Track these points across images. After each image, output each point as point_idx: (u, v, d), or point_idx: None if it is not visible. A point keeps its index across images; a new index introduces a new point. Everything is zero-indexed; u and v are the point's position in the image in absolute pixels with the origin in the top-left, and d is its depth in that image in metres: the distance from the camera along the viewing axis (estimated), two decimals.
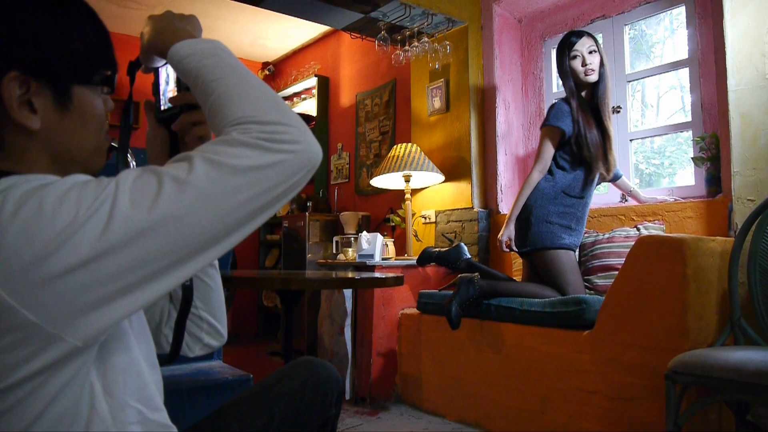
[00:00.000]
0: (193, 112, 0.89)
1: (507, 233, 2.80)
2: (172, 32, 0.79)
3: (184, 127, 0.90)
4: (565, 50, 2.79)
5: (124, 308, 0.61)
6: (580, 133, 2.69)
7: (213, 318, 1.04)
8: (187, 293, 0.97)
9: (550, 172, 2.77)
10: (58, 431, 0.64)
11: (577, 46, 2.76)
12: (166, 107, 0.93)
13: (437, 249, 3.11)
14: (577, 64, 2.76)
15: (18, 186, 0.61)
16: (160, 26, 0.81)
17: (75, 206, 0.59)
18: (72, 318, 0.59)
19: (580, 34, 2.79)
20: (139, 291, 0.61)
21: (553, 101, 3.69)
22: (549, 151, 2.76)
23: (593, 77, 2.75)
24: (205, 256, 0.64)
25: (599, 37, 3.50)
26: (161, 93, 0.93)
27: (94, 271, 0.58)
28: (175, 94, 0.91)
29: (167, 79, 0.93)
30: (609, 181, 2.98)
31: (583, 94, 2.79)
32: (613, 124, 3.34)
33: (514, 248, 2.81)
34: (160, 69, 0.93)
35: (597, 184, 2.84)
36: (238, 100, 0.69)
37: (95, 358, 0.67)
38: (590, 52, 2.75)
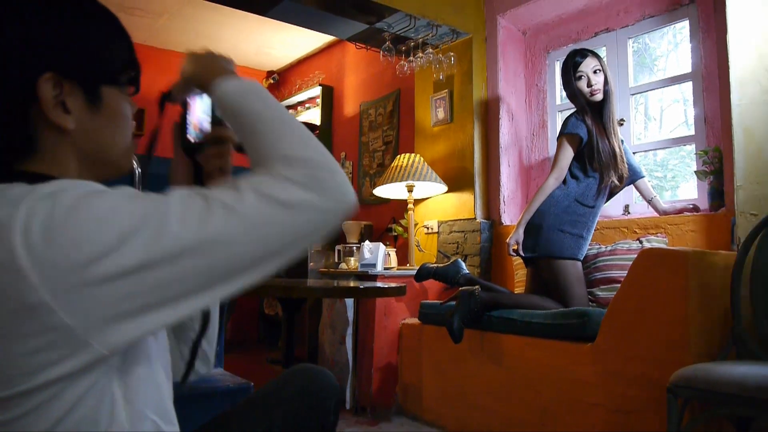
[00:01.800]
0: (221, 146, 0.93)
1: (516, 237, 2.79)
2: (216, 68, 0.83)
3: (208, 159, 0.94)
4: (570, 70, 2.81)
5: (154, 323, 0.63)
6: (594, 143, 2.71)
7: (208, 345, 1.04)
8: (206, 314, 0.97)
9: (564, 181, 2.78)
10: None
11: (582, 67, 2.77)
12: (195, 138, 0.96)
13: (435, 265, 3.10)
14: (582, 85, 2.78)
15: (68, 190, 0.62)
16: (204, 62, 0.86)
17: (126, 218, 0.61)
18: (104, 325, 0.60)
19: (584, 54, 2.81)
20: (171, 308, 0.63)
21: (558, 113, 3.72)
22: (567, 158, 2.77)
23: (598, 96, 2.77)
24: (238, 281, 0.66)
25: (603, 51, 3.52)
26: (188, 124, 0.96)
27: (135, 282, 0.60)
28: (205, 125, 0.95)
29: (201, 111, 0.96)
30: (630, 183, 2.94)
31: (592, 110, 2.81)
32: (618, 136, 3.35)
33: (521, 253, 2.81)
34: (190, 101, 0.96)
35: (608, 196, 2.84)
36: (283, 138, 0.72)
37: (118, 366, 0.67)
38: (595, 72, 2.77)
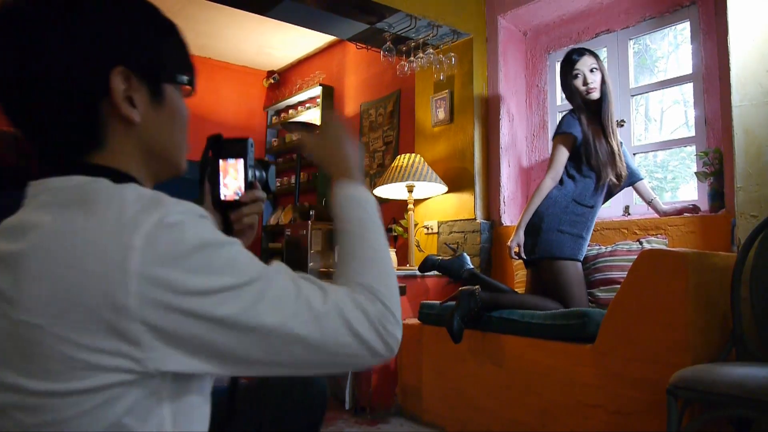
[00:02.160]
0: (254, 205, 0.98)
1: (516, 240, 2.79)
2: (344, 167, 0.95)
3: (241, 217, 0.98)
4: (567, 69, 2.82)
5: (199, 368, 0.67)
6: (589, 142, 2.72)
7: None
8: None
9: (560, 181, 2.78)
10: None
11: (578, 65, 2.79)
12: (230, 197, 0.97)
13: (440, 257, 3.10)
14: (578, 83, 2.79)
15: (199, 226, 0.67)
16: (334, 150, 0.96)
17: (236, 277, 0.66)
18: (164, 349, 0.64)
19: (581, 53, 2.82)
20: (218, 365, 0.68)
21: (558, 113, 3.71)
22: (562, 158, 2.77)
23: (595, 95, 2.78)
24: (277, 370, 0.72)
25: (603, 52, 3.52)
26: (221, 181, 0.97)
27: (209, 329, 0.65)
28: (241, 185, 0.97)
29: (238, 170, 0.98)
30: (629, 185, 2.95)
31: (589, 109, 2.81)
32: (617, 136, 3.35)
33: (523, 255, 2.81)
34: (229, 159, 0.97)
35: (607, 196, 2.84)
36: (372, 266, 0.81)
37: (171, 391, 0.68)
38: (591, 71, 2.78)
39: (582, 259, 2.76)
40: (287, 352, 0.69)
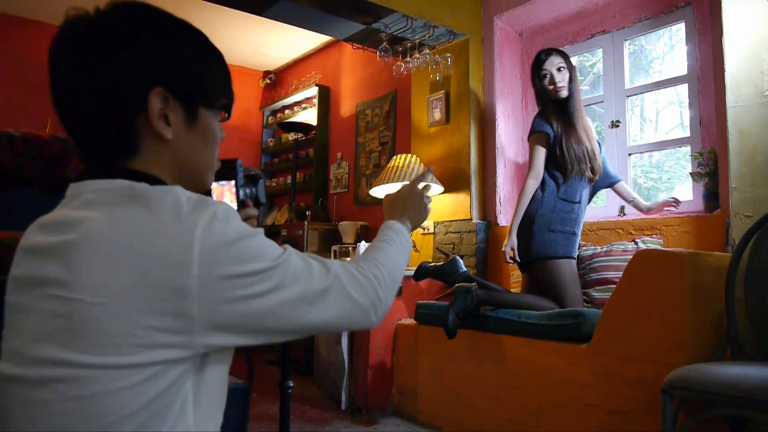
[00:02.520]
0: (248, 222, 1.07)
1: (510, 244, 2.81)
2: (398, 212, 1.18)
3: None
4: (536, 69, 2.89)
5: (239, 341, 0.77)
6: (560, 140, 2.77)
7: None
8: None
9: (543, 182, 2.82)
10: (148, 428, 0.71)
11: (546, 65, 2.85)
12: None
13: (433, 263, 3.10)
14: (546, 82, 2.86)
15: (236, 220, 0.77)
16: (401, 202, 1.19)
17: (270, 259, 0.78)
18: (213, 328, 0.73)
19: (549, 52, 2.89)
20: (253, 336, 0.78)
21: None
22: (541, 157, 2.82)
23: (563, 93, 2.84)
24: (291, 336, 0.84)
25: (599, 52, 3.53)
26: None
27: (249, 308, 0.75)
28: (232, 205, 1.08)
29: (231, 191, 1.09)
30: (606, 186, 3.00)
31: (558, 108, 2.87)
32: (613, 136, 3.36)
33: (518, 259, 2.82)
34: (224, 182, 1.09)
35: (592, 191, 2.90)
36: (389, 277, 0.97)
37: (196, 367, 0.76)
38: (558, 70, 2.84)
39: (575, 256, 2.77)
40: (304, 318, 0.81)
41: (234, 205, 1.05)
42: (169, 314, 0.70)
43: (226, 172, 1.03)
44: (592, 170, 2.81)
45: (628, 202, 3.06)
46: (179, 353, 0.71)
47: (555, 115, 2.83)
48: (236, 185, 1.06)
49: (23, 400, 0.71)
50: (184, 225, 0.72)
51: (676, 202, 2.92)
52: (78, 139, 0.84)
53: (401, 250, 1.07)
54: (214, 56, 0.90)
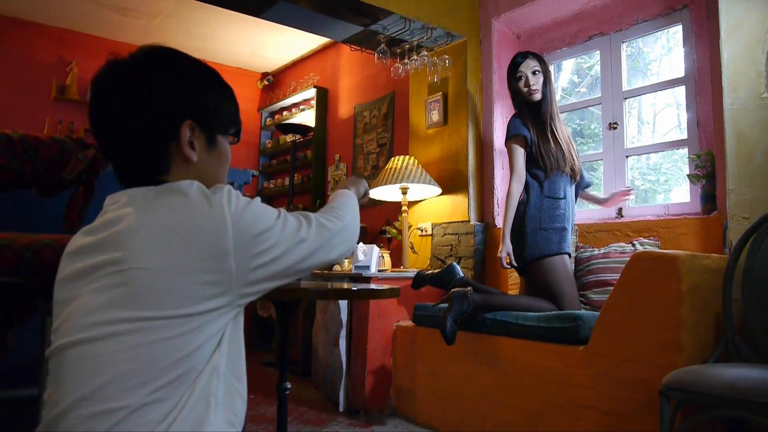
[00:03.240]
0: None
1: (505, 249, 2.81)
2: (344, 185, 1.41)
3: None
4: (511, 71, 2.94)
5: (265, 288, 0.98)
6: (536, 142, 2.83)
7: None
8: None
9: (527, 183, 2.85)
10: (194, 372, 0.87)
11: (521, 68, 2.91)
12: None
13: (430, 271, 3.10)
14: (521, 84, 2.91)
15: (239, 194, 0.95)
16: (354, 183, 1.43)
17: (271, 215, 0.98)
18: (247, 280, 0.93)
19: (525, 55, 2.94)
20: (273, 280, 0.98)
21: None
22: (521, 159, 2.86)
23: (537, 96, 2.89)
24: (296, 274, 1.03)
25: (597, 54, 3.54)
26: None
27: (269, 257, 0.95)
28: None
29: None
30: (582, 188, 3.06)
31: (532, 110, 2.92)
32: (610, 138, 3.37)
33: (514, 264, 2.82)
34: None
35: (577, 187, 2.96)
36: (345, 211, 1.21)
37: (232, 319, 0.94)
38: (533, 73, 2.89)
39: (569, 252, 2.78)
40: (303, 251, 1.01)
41: None
42: (214, 271, 0.88)
43: None
44: (572, 170, 2.85)
45: (594, 201, 3.15)
46: (220, 302, 0.89)
47: (530, 118, 2.88)
48: None
49: (81, 357, 0.85)
50: (213, 202, 0.91)
51: (629, 191, 2.99)
52: (117, 161, 1.01)
53: (347, 198, 1.30)
54: (228, 91, 1.10)
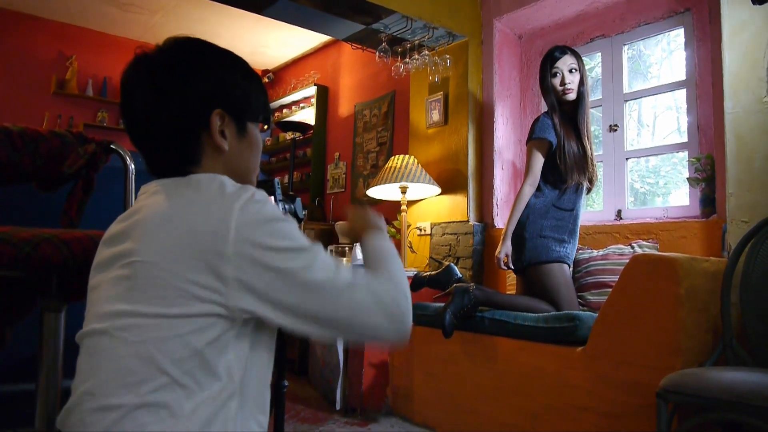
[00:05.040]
0: None
1: (504, 250, 2.79)
2: (366, 225, 1.20)
3: None
4: (547, 65, 2.80)
5: (266, 311, 0.87)
6: (561, 145, 2.72)
7: None
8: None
9: (538, 188, 2.78)
10: (196, 376, 0.84)
11: (559, 63, 2.77)
12: None
13: (427, 273, 3.09)
14: (556, 81, 2.78)
15: (269, 203, 0.91)
16: (359, 220, 1.22)
17: (298, 242, 0.90)
18: (239, 289, 0.85)
19: (563, 51, 2.80)
20: (275, 310, 0.88)
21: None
22: (539, 164, 2.77)
23: (571, 96, 2.77)
24: (313, 328, 0.91)
25: (598, 56, 3.54)
26: None
27: (275, 279, 0.86)
28: None
29: None
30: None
31: (564, 110, 2.82)
32: (610, 140, 3.37)
33: (511, 266, 2.81)
34: None
35: (587, 196, 2.90)
36: (387, 270, 1.02)
37: (247, 337, 0.90)
38: (570, 71, 2.76)
39: (568, 262, 2.76)
40: (330, 307, 0.89)
41: None
42: (209, 273, 0.84)
43: (266, 189, 1.14)
44: (590, 180, 2.78)
45: None
46: (217, 309, 0.85)
47: (560, 119, 2.76)
48: (275, 200, 1.21)
49: (92, 348, 0.87)
50: (226, 201, 0.88)
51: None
52: (149, 152, 1.01)
53: (395, 258, 1.11)
54: (256, 79, 1.08)
